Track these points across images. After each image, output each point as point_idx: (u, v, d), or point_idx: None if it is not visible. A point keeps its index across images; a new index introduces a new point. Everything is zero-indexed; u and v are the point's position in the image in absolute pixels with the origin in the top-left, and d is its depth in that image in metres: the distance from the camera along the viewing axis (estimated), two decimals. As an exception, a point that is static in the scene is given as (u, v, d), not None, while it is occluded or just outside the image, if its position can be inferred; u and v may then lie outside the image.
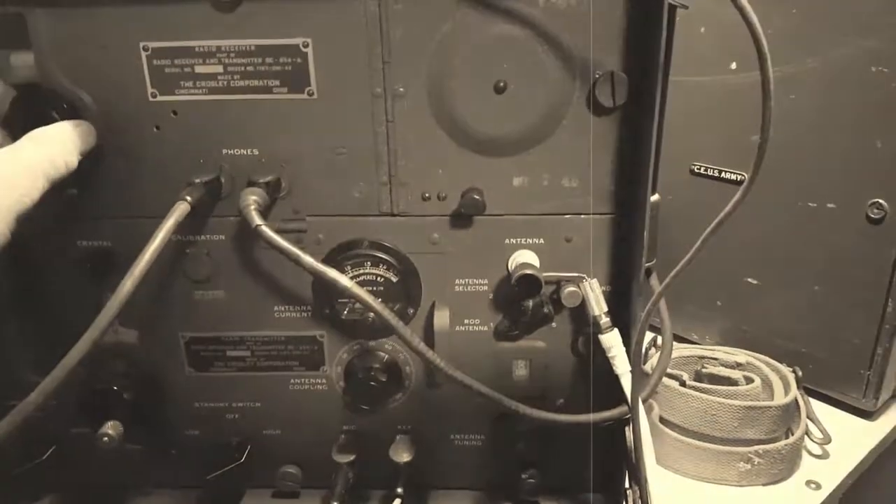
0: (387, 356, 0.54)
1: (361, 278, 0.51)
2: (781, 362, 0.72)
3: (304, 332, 0.54)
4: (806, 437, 0.69)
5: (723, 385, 0.68)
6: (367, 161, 0.49)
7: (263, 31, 0.45)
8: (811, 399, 0.74)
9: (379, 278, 0.51)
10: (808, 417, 0.70)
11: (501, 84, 0.46)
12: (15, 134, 0.44)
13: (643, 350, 0.70)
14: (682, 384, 0.66)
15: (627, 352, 0.51)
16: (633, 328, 0.50)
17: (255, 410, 0.56)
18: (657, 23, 0.42)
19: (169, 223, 0.43)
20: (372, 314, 0.49)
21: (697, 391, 0.65)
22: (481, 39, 0.45)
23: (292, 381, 0.56)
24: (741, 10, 0.38)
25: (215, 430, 0.57)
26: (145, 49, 0.46)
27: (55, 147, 0.43)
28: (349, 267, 0.50)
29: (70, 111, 0.46)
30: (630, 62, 0.45)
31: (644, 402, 0.52)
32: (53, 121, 0.45)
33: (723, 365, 0.72)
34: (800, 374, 0.71)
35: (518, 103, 0.46)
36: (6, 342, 0.54)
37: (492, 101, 0.46)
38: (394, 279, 0.51)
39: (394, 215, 0.50)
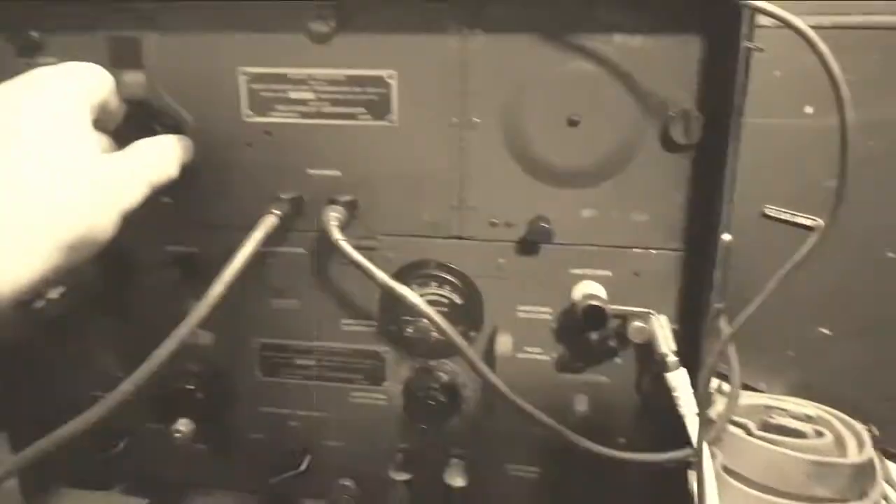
0: (446, 377, 0.55)
1: (427, 298, 0.52)
2: (855, 419, 0.69)
3: (369, 346, 0.56)
4: (883, 502, 0.65)
5: (791, 438, 0.66)
6: (440, 186, 0.51)
7: (353, 62, 0.48)
8: (889, 462, 0.70)
9: (443, 299, 0.52)
10: (885, 481, 0.66)
11: (575, 118, 0.47)
12: (122, 144, 0.48)
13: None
14: (749, 433, 0.64)
15: (694, 393, 0.50)
16: (701, 369, 0.49)
17: (317, 420, 0.58)
18: (733, 64, 0.43)
19: (258, 234, 0.46)
20: (435, 333, 0.51)
21: (765, 441, 0.63)
22: (556, 74, 0.46)
23: (354, 393, 0.57)
24: (821, 56, 0.38)
25: (278, 435, 0.59)
26: (244, 74, 0.50)
27: (159, 157, 0.47)
28: (415, 286, 0.52)
29: (172, 126, 0.51)
30: (704, 101, 0.46)
31: (709, 446, 0.51)
32: (157, 134, 0.49)
33: (792, 416, 0.69)
34: (876, 433, 0.67)
35: (591, 137, 0.47)
36: (94, 337, 0.58)
37: (564, 135, 0.47)
38: (458, 301, 0.52)
39: (461, 238, 0.52)
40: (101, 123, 0.46)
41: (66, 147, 0.41)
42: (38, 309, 0.52)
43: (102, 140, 0.47)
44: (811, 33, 0.39)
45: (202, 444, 0.59)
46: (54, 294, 0.53)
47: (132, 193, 0.44)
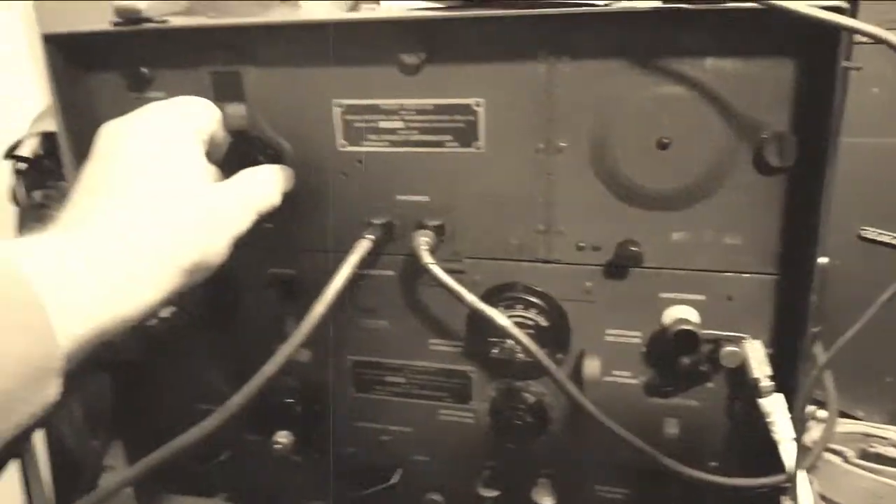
0: (533, 398, 0.56)
1: (512, 320, 0.53)
2: (966, 449, 0.65)
3: (455, 365, 0.57)
4: None
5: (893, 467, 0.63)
6: (526, 210, 0.51)
7: (441, 91, 0.50)
8: None
9: (529, 321, 0.53)
10: None
11: (665, 141, 0.47)
12: (227, 174, 0.51)
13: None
14: (847, 461, 0.61)
15: (789, 419, 0.49)
16: (796, 395, 0.48)
17: (407, 435, 0.60)
18: (830, 85, 0.42)
19: (354, 258, 0.48)
20: (521, 355, 0.52)
21: (865, 470, 0.60)
22: (645, 98, 0.46)
23: (441, 411, 0.59)
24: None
25: (370, 450, 0.61)
26: (339, 105, 0.52)
27: (264, 186, 0.50)
28: (501, 308, 0.53)
29: (273, 156, 0.53)
30: (799, 123, 0.45)
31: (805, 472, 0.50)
32: (259, 163, 0.52)
33: (893, 445, 0.66)
34: None
35: (681, 160, 0.47)
36: (200, 352, 0.62)
37: (654, 158, 0.47)
38: (544, 324, 0.53)
39: (548, 262, 0.52)
40: (209, 155, 0.50)
41: (184, 178, 0.44)
42: (151, 327, 0.56)
43: (211, 170, 0.51)
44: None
45: (299, 456, 0.62)
46: (165, 313, 0.57)
47: (242, 220, 0.47)
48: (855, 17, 0.40)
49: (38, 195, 0.69)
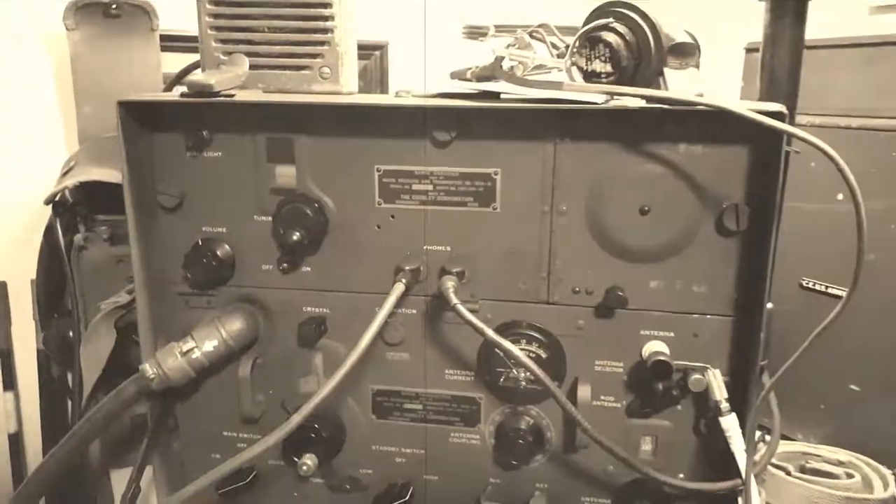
0: (532, 420, 0.65)
1: (518, 353, 0.62)
2: (881, 463, 0.78)
3: (467, 393, 0.66)
4: (907, 538, 0.74)
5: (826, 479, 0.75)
6: (532, 261, 0.62)
7: (466, 162, 0.61)
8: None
9: (531, 354, 0.63)
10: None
11: (646, 208, 0.59)
12: (279, 225, 0.59)
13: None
14: (788, 474, 0.73)
15: (742, 434, 0.60)
16: (748, 414, 0.60)
17: (420, 457, 0.68)
18: (775, 165, 0.54)
19: (391, 300, 0.58)
20: (524, 383, 0.62)
21: (803, 481, 0.72)
22: (631, 173, 0.58)
23: (452, 434, 0.67)
24: (833, 159, 0.50)
25: (385, 471, 0.69)
26: (378, 170, 0.62)
27: None
28: (509, 341, 0.62)
29: (317, 210, 0.62)
30: (751, 195, 0.57)
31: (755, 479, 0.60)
32: (306, 217, 0.61)
33: (825, 461, 0.78)
34: (900, 476, 0.76)
35: (658, 223, 0.59)
36: (233, 382, 0.68)
37: (637, 221, 0.59)
38: (543, 355, 0.63)
39: (549, 303, 0.63)
40: None
41: None
42: (195, 358, 0.63)
43: None
44: (830, 150, 0.50)
45: (319, 478, 0.69)
46: (209, 346, 0.64)
47: None
48: (793, 120, 0.53)
49: (79, 238, 0.75)
